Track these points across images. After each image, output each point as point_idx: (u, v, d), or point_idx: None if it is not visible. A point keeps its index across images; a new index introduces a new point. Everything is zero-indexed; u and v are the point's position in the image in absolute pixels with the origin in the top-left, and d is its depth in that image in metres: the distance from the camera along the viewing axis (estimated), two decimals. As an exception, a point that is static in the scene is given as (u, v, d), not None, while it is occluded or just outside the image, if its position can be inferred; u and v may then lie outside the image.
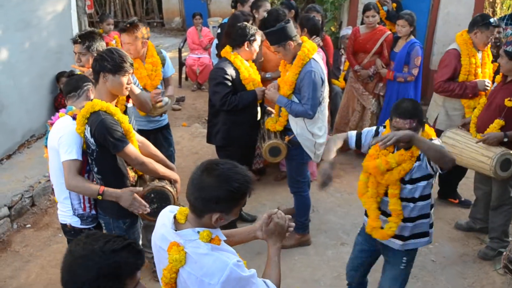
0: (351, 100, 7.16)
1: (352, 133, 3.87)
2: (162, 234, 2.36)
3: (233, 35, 4.96)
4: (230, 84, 4.83)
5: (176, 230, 2.32)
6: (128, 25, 4.60)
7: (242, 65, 4.90)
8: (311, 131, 4.83)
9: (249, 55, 4.97)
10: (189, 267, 2.23)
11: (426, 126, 3.59)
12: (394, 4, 7.88)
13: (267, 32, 4.80)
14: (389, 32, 6.89)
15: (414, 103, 3.51)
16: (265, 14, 5.88)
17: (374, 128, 3.84)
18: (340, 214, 5.97)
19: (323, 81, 4.72)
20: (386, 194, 3.61)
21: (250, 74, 4.99)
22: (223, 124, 5.04)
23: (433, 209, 3.73)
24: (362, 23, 7.05)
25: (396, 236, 3.63)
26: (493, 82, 5.32)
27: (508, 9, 12.94)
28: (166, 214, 2.45)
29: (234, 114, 4.92)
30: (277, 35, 4.65)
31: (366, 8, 6.72)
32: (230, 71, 4.83)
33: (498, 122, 4.76)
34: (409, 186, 3.51)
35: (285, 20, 4.96)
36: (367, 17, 6.71)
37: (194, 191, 2.24)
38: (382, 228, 3.64)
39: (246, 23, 5.01)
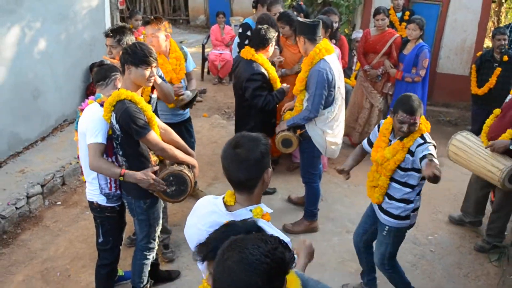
0: (360, 97, 7.13)
1: (365, 143, 4.14)
2: (213, 221, 2.24)
3: (256, 38, 4.95)
4: (266, 85, 4.93)
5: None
6: (152, 19, 4.68)
7: (270, 67, 4.93)
8: (321, 128, 4.81)
9: (268, 55, 5.03)
10: None
11: (423, 117, 3.65)
12: (408, 12, 7.81)
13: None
14: (398, 35, 6.87)
15: (418, 100, 3.59)
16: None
17: (376, 127, 4.01)
18: (346, 204, 5.96)
19: (330, 82, 4.64)
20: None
21: (274, 72, 5.09)
22: (256, 122, 5.09)
23: (419, 197, 3.88)
24: (373, 27, 7.01)
25: (385, 212, 3.86)
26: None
27: (512, 18, 12.80)
28: (210, 202, 2.38)
29: (261, 113, 5.03)
30: (297, 27, 4.84)
31: (377, 11, 6.72)
32: (265, 73, 4.92)
33: (510, 132, 4.60)
34: (400, 172, 3.70)
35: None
36: (377, 20, 6.71)
37: (239, 169, 2.20)
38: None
39: (267, 26, 5.00)
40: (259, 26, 5.04)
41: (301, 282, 1.89)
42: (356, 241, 4.31)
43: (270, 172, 2.29)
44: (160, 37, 4.66)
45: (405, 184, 3.73)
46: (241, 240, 1.64)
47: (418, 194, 3.83)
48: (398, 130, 3.60)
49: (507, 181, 4.45)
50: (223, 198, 2.33)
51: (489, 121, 4.96)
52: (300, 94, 4.81)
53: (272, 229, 2.21)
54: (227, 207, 2.29)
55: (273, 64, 5.54)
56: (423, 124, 3.63)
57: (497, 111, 4.94)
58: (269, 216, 2.29)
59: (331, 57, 4.71)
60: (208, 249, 1.96)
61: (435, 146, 3.59)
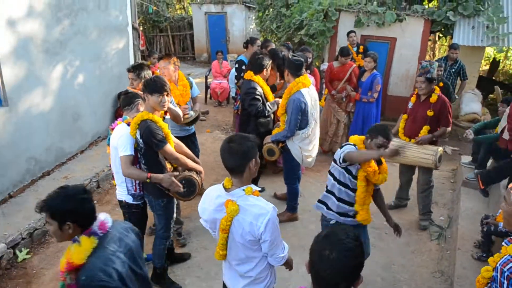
0: (329, 115, 7.17)
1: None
2: (218, 202, 2.44)
3: (255, 64, 5.00)
4: (260, 98, 4.95)
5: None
6: (164, 55, 4.78)
7: (264, 84, 5.00)
8: (299, 145, 4.82)
9: (264, 77, 5.07)
10: (242, 214, 2.36)
11: None
12: (362, 47, 7.90)
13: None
14: (355, 65, 6.95)
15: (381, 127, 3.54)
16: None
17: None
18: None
19: (304, 109, 4.61)
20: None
21: (269, 91, 5.16)
22: (253, 126, 5.10)
23: None
24: (335, 60, 7.04)
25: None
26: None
27: (444, 52, 12.93)
28: (215, 189, 2.54)
29: (261, 122, 5.07)
30: (286, 63, 4.83)
31: (346, 53, 6.70)
32: (259, 89, 4.95)
33: (426, 128, 4.96)
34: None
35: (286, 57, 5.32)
36: (345, 58, 6.73)
37: (231, 157, 2.38)
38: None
39: (263, 55, 5.06)
40: (257, 56, 5.09)
41: None
42: None
43: (255, 162, 2.42)
44: (170, 68, 4.71)
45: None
46: (333, 234, 1.72)
47: None
48: None
49: (438, 161, 4.79)
50: (223, 184, 2.49)
51: (402, 124, 5.25)
52: (282, 116, 4.83)
53: (260, 201, 2.42)
54: (226, 189, 2.45)
55: (274, 86, 5.75)
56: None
57: (404, 116, 5.23)
58: (258, 192, 2.45)
59: (307, 89, 4.69)
60: (42, 205, 2.16)
61: None
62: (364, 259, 1.74)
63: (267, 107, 5.04)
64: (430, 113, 4.89)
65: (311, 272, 1.73)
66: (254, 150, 2.40)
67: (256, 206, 2.37)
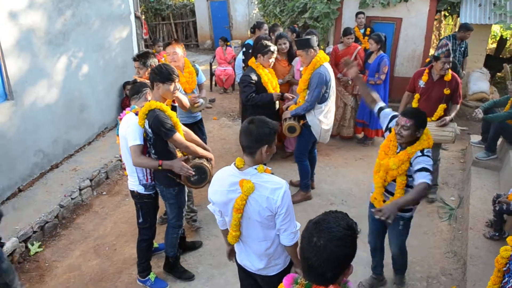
0: (336, 98, 7.04)
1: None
2: (231, 181, 2.45)
3: (256, 48, 5.05)
4: (253, 86, 4.97)
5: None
6: (172, 40, 4.73)
7: (263, 72, 4.98)
8: (319, 118, 4.89)
9: (265, 64, 5.01)
10: (258, 191, 2.39)
11: (427, 133, 3.31)
12: (369, 28, 7.78)
13: (297, 39, 4.96)
14: (360, 47, 6.87)
15: (417, 110, 3.30)
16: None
17: (390, 115, 3.56)
18: (329, 182, 5.92)
19: (327, 82, 4.75)
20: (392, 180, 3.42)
21: (269, 78, 5.09)
22: (250, 113, 5.04)
23: None
24: (340, 42, 6.94)
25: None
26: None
27: (450, 31, 12.77)
28: (226, 169, 2.56)
29: (257, 110, 4.86)
30: (303, 43, 4.74)
31: (348, 32, 6.65)
32: (254, 77, 4.97)
33: (442, 106, 4.94)
34: (409, 179, 3.32)
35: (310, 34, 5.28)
36: (347, 39, 6.67)
37: (246, 137, 2.41)
38: (384, 201, 3.48)
39: (265, 41, 5.01)
40: (262, 41, 5.06)
41: None
42: (373, 243, 3.88)
43: (268, 148, 2.43)
44: (179, 53, 4.66)
45: (407, 186, 3.37)
46: (323, 221, 1.66)
47: None
48: (396, 133, 3.24)
49: (455, 137, 4.96)
50: (235, 163, 2.49)
51: (415, 104, 5.17)
52: (303, 92, 4.89)
53: (272, 177, 2.45)
54: (239, 169, 2.47)
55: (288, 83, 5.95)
56: (426, 140, 3.27)
57: (416, 95, 5.15)
58: (269, 170, 2.48)
59: (327, 64, 4.83)
60: None
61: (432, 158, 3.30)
62: (355, 248, 1.65)
63: (260, 97, 5.03)
64: (447, 91, 4.84)
65: (300, 259, 1.68)
66: (270, 136, 2.42)
67: (270, 182, 2.41)
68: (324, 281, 1.63)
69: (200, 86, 5.09)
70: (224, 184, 2.50)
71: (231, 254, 2.97)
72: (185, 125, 4.74)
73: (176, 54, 4.64)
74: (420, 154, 3.20)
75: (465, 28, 7.28)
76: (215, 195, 2.58)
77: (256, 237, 2.55)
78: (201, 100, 4.79)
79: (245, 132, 2.41)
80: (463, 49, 7.47)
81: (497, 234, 4.27)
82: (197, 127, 5.08)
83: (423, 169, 3.11)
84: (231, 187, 2.45)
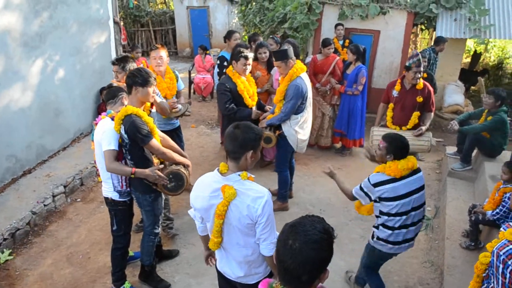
0: (314, 108, 7.05)
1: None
2: (214, 187, 2.42)
3: (233, 54, 5.01)
4: (228, 93, 4.85)
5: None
6: (159, 44, 4.71)
7: (239, 80, 4.86)
8: (295, 129, 4.82)
9: (240, 71, 4.87)
10: (239, 198, 2.36)
11: (397, 162, 3.30)
12: (348, 40, 7.86)
13: (275, 51, 4.87)
14: (338, 58, 6.88)
15: (396, 136, 3.37)
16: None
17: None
18: (307, 191, 5.92)
19: (303, 93, 4.69)
20: None
21: (246, 86, 4.97)
22: (228, 124, 4.98)
23: None
24: (319, 53, 6.95)
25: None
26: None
27: (426, 45, 13.03)
28: (210, 175, 2.52)
29: (233, 119, 4.80)
30: (282, 54, 4.67)
31: (328, 43, 6.62)
32: (229, 84, 4.86)
33: (416, 114, 5.16)
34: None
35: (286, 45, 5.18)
36: (328, 49, 6.63)
37: (231, 142, 2.38)
38: None
39: (241, 48, 4.94)
40: (239, 48, 4.98)
41: None
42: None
43: (253, 154, 2.41)
44: (164, 58, 4.66)
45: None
46: (299, 224, 1.65)
47: None
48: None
49: (430, 146, 5.14)
50: (218, 169, 2.47)
51: (389, 113, 5.38)
52: (279, 103, 4.84)
53: (255, 185, 2.43)
54: (222, 174, 2.44)
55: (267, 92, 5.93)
56: (387, 167, 3.32)
57: (391, 105, 5.36)
58: (252, 178, 2.45)
59: (304, 74, 4.78)
60: None
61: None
62: (332, 253, 1.65)
63: (238, 112, 4.91)
64: (419, 99, 5.04)
65: (276, 262, 1.67)
66: (255, 142, 2.41)
67: (252, 190, 2.38)
68: (300, 285, 1.62)
69: (178, 93, 5.03)
70: (206, 189, 2.46)
71: (207, 258, 2.94)
72: (163, 131, 4.69)
73: (161, 59, 4.63)
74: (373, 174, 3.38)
75: (443, 40, 7.44)
76: (196, 200, 2.54)
77: (237, 244, 2.51)
78: (180, 106, 4.73)
79: (230, 137, 2.39)
80: (438, 62, 7.62)
81: (473, 244, 4.31)
82: (175, 134, 5.02)
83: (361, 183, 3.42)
84: (213, 192, 2.42)
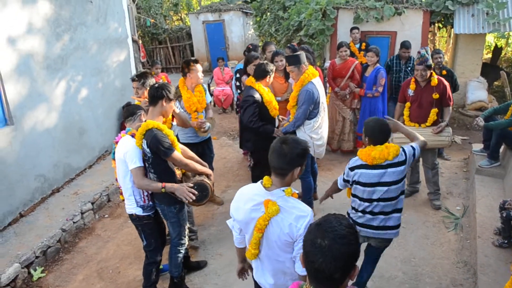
0: (334, 113, 7.04)
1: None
2: (257, 200, 2.36)
3: (257, 71, 4.81)
4: (257, 106, 4.72)
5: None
6: (194, 59, 4.76)
7: (264, 92, 4.81)
8: (309, 135, 4.76)
9: (266, 84, 4.86)
10: (282, 215, 2.29)
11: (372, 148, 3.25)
12: (364, 44, 7.78)
13: (288, 56, 4.85)
14: (357, 61, 6.80)
15: (372, 122, 3.31)
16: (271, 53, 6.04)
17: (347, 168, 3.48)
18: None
19: (315, 99, 4.62)
20: None
21: (270, 98, 4.91)
22: (251, 136, 4.99)
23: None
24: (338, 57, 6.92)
25: None
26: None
27: (444, 43, 12.84)
28: (251, 188, 2.47)
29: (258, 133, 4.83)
30: (294, 59, 4.66)
31: (340, 45, 6.62)
32: (257, 96, 4.75)
33: (434, 111, 5.06)
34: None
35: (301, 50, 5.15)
36: (341, 52, 6.62)
37: (279, 159, 2.28)
38: None
39: (267, 61, 4.92)
40: (261, 62, 4.95)
41: None
42: None
43: (300, 170, 2.34)
44: (200, 73, 4.72)
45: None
46: (325, 222, 1.63)
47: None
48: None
49: (451, 141, 5.14)
50: (262, 182, 2.39)
51: (406, 112, 5.30)
52: (293, 109, 4.81)
53: (299, 204, 2.33)
54: (266, 188, 2.36)
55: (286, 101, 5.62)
56: (363, 151, 3.29)
57: (407, 104, 5.27)
58: (296, 194, 2.37)
59: (316, 80, 4.72)
60: None
61: None
62: (359, 247, 1.63)
63: (262, 128, 4.77)
64: (435, 96, 5.01)
65: (305, 265, 1.62)
66: (303, 158, 2.32)
67: (296, 208, 2.29)
68: (332, 284, 1.57)
69: (207, 106, 5.05)
70: (248, 202, 2.41)
71: (241, 272, 2.90)
72: (195, 144, 4.74)
73: (198, 72, 4.70)
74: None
75: (403, 45, 6.98)
76: (237, 212, 2.49)
77: (273, 257, 2.46)
78: (208, 124, 4.77)
79: (277, 153, 2.28)
80: (409, 68, 7.04)
81: (506, 241, 4.16)
82: (206, 145, 5.09)
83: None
84: (255, 206, 2.37)
